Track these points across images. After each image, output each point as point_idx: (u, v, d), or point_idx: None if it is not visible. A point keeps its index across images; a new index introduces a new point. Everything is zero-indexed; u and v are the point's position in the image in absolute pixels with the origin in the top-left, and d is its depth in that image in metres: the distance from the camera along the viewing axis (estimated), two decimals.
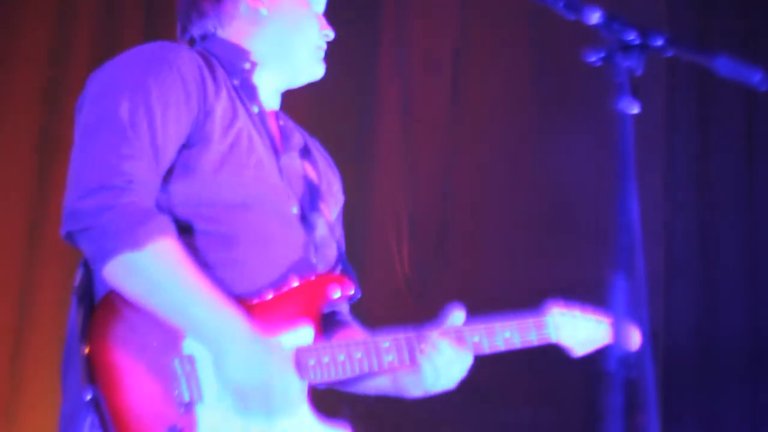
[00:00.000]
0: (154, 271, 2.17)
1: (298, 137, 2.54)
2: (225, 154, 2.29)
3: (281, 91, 2.54)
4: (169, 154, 2.25)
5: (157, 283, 2.18)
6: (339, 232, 2.60)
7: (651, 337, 2.10)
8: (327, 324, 2.47)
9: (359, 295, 2.46)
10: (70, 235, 2.20)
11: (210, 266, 2.26)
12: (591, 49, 1.89)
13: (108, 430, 2.12)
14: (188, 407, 2.18)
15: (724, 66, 1.87)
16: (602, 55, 1.88)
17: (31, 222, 4.59)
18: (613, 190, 1.80)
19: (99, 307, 2.21)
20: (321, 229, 2.46)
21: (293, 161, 2.48)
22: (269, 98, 2.51)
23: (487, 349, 2.38)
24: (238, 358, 2.18)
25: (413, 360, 2.34)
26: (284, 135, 2.50)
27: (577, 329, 2.48)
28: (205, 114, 2.29)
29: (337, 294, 2.35)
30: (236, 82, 2.42)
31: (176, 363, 2.19)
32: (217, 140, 2.29)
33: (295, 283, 2.33)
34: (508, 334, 2.39)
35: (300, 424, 2.27)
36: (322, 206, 2.48)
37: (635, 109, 1.84)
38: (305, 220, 2.42)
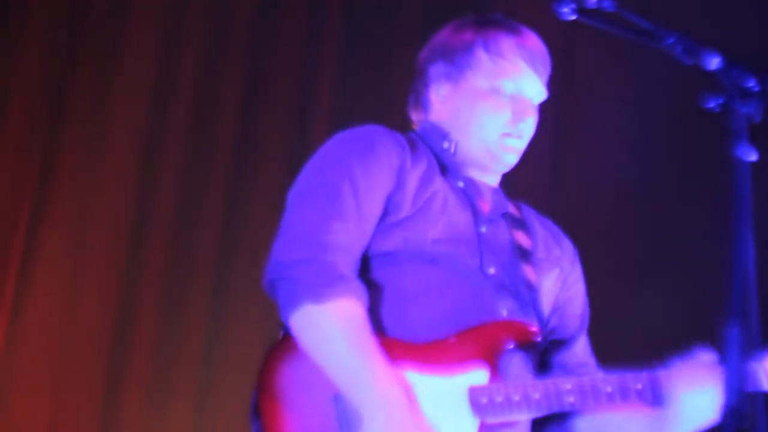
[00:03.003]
0: (327, 326, 2.27)
1: (511, 208, 2.62)
2: (414, 214, 2.41)
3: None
4: (371, 222, 2.39)
5: (327, 338, 2.27)
6: (563, 298, 2.61)
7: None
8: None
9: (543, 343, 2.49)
10: (271, 283, 2.34)
11: (381, 306, 2.36)
12: (709, 94, 1.88)
13: None
14: None
15: None
16: (720, 101, 1.87)
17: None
18: (728, 236, 1.79)
19: (275, 347, 2.35)
20: (521, 290, 2.50)
21: (498, 228, 2.55)
22: (485, 175, 2.58)
23: None
24: (379, 425, 2.21)
25: (598, 402, 2.30)
26: (495, 206, 2.58)
27: None
28: (399, 186, 2.42)
29: (509, 337, 2.37)
30: (440, 162, 2.54)
31: (339, 398, 2.26)
32: (408, 203, 2.42)
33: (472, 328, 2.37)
34: None
35: None
36: (527, 269, 2.52)
37: (753, 157, 1.82)
38: (503, 279, 2.47)
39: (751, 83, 1.86)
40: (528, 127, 2.54)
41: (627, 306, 3.85)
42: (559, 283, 2.61)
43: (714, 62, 1.89)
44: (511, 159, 2.56)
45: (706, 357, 2.31)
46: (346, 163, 2.41)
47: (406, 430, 2.22)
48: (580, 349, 2.61)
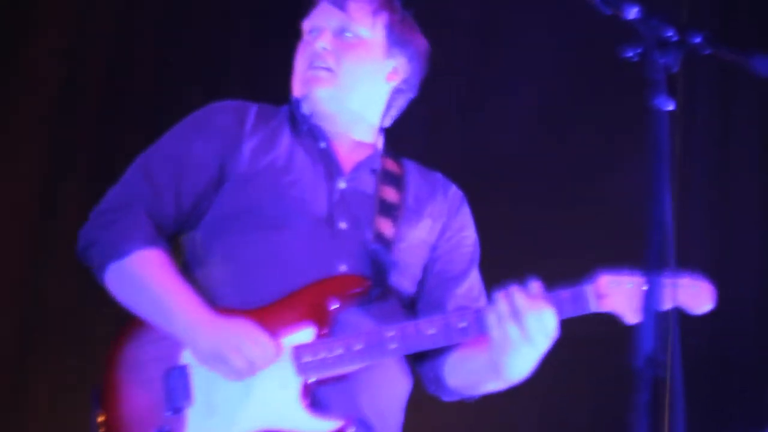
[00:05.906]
0: (132, 277, 2.43)
1: (387, 164, 2.65)
2: (253, 175, 2.51)
3: (360, 125, 2.65)
4: (185, 191, 2.50)
5: (136, 288, 2.42)
6: (447, 244, 2.64)
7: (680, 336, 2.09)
8: None
9: (377, 291, 2.47)
10: (82, 253, 2.51)
11: (224, 279, 2.45)
12: (628, 44, 1.88)
13: None
14: (177, 411, 2.37)
15: (763, 66, 1.86)
16: (639, 51, 1.88)
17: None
18: (646, 186, 1.80)
19: (118, 333, 2.49)
20: (374, 244, 2.50)
21: (361, 183, 2.59)
22: (359, 134, 2.65)
23: None
24: (204, 333, 2.33)
25: (420, 345, 2.36)
26: (362, 163, 2.61)
27: (631, 297, 2.33)
28: (234, 153, 2.52)
29: (335, 292, 2.41)
30: (305, 127, 2.61)
31: (170, 372, 2.39)
32: (245, 167, 2.51)
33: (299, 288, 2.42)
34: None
35: (287, 414, 2.34)
36: (385, 223, 2.54)
37: (670, 107, 1.83)
38: (354, 233, 2.50)
39: (670, 33, 1.87)
40: (321, 55, 2.59)
41: (546, 253, 3.89)
42: (436, 232, 2.62)
43: (633, 12, 1.90)
44: (318, 92, 2.59)
45: (534, 286, 2.31)
46: (165, 142, 2.57)
47: (226, 324, 2.33)
48: (471, 284, 2.63)
